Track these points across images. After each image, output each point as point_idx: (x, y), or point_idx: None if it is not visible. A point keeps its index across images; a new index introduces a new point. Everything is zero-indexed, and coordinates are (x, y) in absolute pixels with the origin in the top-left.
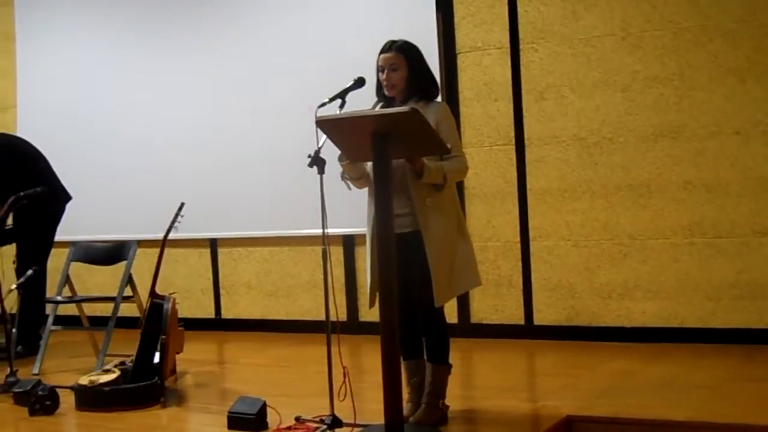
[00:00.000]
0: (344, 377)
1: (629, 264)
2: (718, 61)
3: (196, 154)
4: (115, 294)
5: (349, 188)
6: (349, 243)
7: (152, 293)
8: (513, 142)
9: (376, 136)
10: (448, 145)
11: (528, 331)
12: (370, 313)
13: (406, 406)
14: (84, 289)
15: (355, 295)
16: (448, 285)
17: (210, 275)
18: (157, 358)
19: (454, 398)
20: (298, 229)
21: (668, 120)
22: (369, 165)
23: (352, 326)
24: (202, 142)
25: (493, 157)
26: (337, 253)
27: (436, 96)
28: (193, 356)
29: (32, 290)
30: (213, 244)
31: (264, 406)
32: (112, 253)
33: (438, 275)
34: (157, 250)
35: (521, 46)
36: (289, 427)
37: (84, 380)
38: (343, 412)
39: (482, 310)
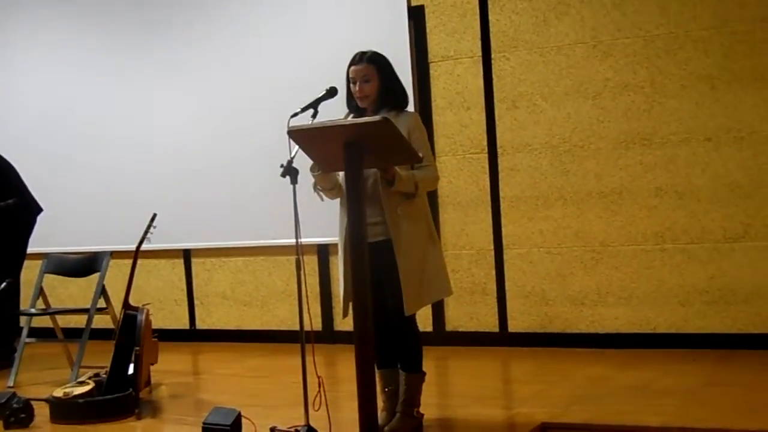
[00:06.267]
0: (319, 387)
1: (601, 270)
2: (688, 68)
3: (169, 165)
4: (88, 306)
5: (322, 199)
6: (323, 252)
7: (126, 304)
8: (485, 150)
9: (348, 146)
10: (420, 155)
11: (502, 338)
12: (344, 323)
13: (380, 415)
14: (58, 301)
15: (329, 304)
16: (418, 294)
17: (184, 286)
18: (131, 370)
19: (429, 406)
20: (272, 239)
21: (639, 127)
22: (341, 175)
23: (327, 336)
24: (175, 153)
25: (465, 165)
26: (311, 263)
27: (407, 106)
28: (168, 367)
29: (6, 303)
30: (186, 255)
31: (239, 416)
32: (86, 264)
33: (408, 284)
34: (130, 262)
35: (493, 55)
36: None
37: (59, 392)
38: (318, 421)
39: (457, 318)
